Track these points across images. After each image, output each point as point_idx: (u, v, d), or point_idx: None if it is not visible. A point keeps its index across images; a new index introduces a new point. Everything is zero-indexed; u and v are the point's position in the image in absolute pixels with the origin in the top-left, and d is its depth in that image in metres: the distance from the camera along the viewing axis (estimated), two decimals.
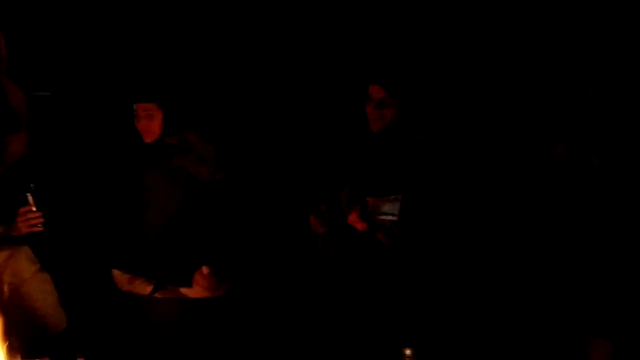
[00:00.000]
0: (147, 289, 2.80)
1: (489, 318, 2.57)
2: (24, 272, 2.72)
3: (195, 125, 2.96)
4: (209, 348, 2.73)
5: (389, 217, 2.55)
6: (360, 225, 2.53)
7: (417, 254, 2.51)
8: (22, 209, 2.66)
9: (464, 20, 3.31)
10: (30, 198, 2.66)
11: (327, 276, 2.63)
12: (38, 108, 3.37)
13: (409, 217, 2.53)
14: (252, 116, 3.53)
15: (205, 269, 2.72)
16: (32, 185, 2.70)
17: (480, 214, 2.53)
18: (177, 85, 2.97)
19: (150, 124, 2.89)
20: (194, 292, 2.80)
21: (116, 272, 2.89)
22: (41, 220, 2.68)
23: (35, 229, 2.69)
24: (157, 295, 2.79)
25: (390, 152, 2.63)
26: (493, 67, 3.23)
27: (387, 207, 2.55)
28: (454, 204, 2.50)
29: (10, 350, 2.09)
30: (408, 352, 2.39)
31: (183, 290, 2.81)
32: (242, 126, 3.47)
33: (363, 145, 2.70)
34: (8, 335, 2.08)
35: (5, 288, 2.66)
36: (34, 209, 2.66)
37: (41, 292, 2.75)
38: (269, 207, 3.18)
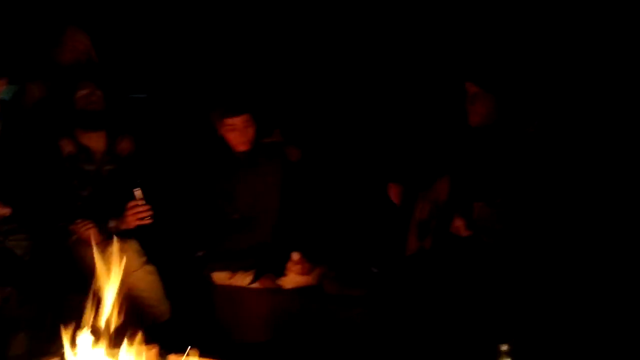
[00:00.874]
0: (246, 280, 2.89)
1: (588, 317, 2.48)
2: (132, 265, 2.85)
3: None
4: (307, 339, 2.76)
5: (494, 225, 2.50)
6: (465, 234, 2.51)
7: (526, 251, 2.44)
8: (131, 204, 2.83)
9: (553, 14, 3.20)
10: (138, 193, 2.82)
11: (420, 270, 2.60)
12: (137, 109, 3.57)
13: (519, 222, 2.46)
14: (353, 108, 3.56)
15: (295, 255, 2.78)
16: (139, 181, 2.87)
17: (600, 210, 2.45)
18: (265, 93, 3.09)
19: (249, 132, 3.02)
20: (288, 280, 2.85)
21: (216, 274, 3.00)
22: (149, 214, 2.84)
23: (143, 222, 2.86)
24: (255, 285, 2.86)
25: (494, 146, 2.60)
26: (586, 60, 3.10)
27: (494, 213, 2.50)
28: (579, 198, 2.42)
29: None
30: (504, 347, 2.36)
31: (279, 280, 2.87)
32: (343, 117, 3.52)
33: (465, 140, 2.69)
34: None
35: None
36: (141, 203, 2.83)
37: (147, 283, 2.91)
38: (362, 195, 3.20)
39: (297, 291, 2.84)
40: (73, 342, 2.20)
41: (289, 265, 2.82)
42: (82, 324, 2.26)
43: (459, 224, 2.48)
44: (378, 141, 3.41)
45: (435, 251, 2.60)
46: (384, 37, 3.58)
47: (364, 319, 2.67)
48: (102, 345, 2.23)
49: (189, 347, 2.23)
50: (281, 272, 2.88)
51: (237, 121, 3.02)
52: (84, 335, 2.24)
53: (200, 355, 2.34)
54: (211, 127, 3.08)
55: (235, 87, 3.36)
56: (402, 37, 3.55)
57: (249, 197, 3.02)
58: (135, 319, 2.42)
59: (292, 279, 2.85)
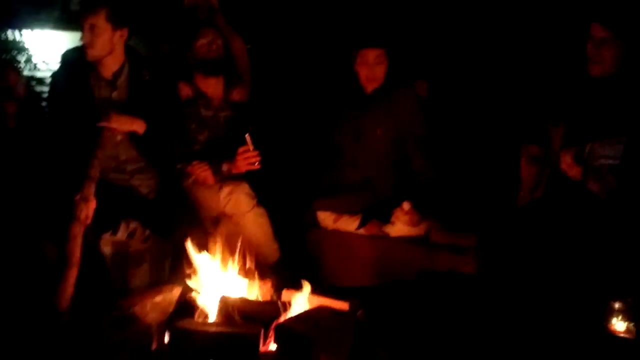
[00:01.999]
0: (352, 225, 2.93)
1: None
2: (244, 206, 3.00)
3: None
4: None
5: (609, 161, 2.33)
6: (574, 171, 2.37)
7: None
8: (242, 149, 2.96)
9: None
10: (248, 139, 2.94)
11: (532, 220, 2.53)
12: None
13: (635, 163, 2.29)
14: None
15: (406, 205, 2.79)
16: (249, 127, 2.98)
17: None
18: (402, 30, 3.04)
19: (379, 70, 2.97)
20: (395, 229, 2.87)
21: (321, 214, 3.07)
22: (258, 159, 2.96)
23: (253, 167, 2.98)
24: (362, 231, 2.91)
25: (615, 94, 2.41)
26: None
27: (608, 150, 2.33)
28: None
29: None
30: (618, 305, 2.30)
31: (385, 228, 2.90)
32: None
33: (583, 85, 2.50)
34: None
35: (228, 219, 2.99)
36: (251, 148, 2.95)
37: (257, 225, 3.02)
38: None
39: (404, 240, 2.84)
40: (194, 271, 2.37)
41: (398, 214, 2.82)
42: (199, 258, 2.43)
43: (567, 158, 2.35)
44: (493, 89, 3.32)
45: (547, 200, 2.52)
46: None
47: (473, 269, 2.65)
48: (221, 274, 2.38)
49: (301, 280, 2.34)
50: (388, 219, 2.90)
51: (369, 55, 3.00)
52: (206, 264, 2.40)
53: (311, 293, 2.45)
54: (346, 62, 3.05)
55: (373, 20, 3.29)
56: None
57: (369, 138, 3.01)
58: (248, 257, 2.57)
59: (400, 228, 2.86)
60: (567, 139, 2.44)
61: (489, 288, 2.49)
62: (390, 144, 3.02)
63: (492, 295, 2.48)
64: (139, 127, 2.80)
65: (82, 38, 2.77)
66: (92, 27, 2.73)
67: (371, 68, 2.98)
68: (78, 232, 2.41)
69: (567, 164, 2.38)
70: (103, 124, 2.69)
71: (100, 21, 2.73)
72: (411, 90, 3.09)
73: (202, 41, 3.02)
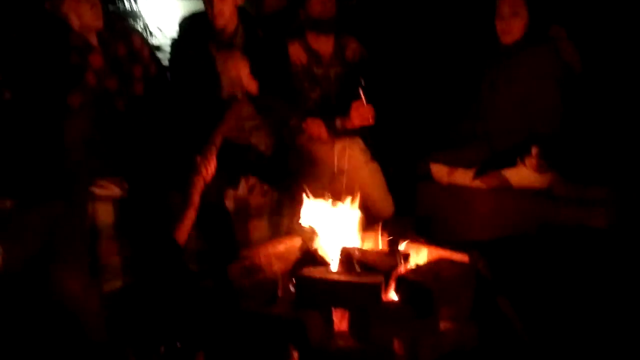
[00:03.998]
0: (467, 178, 2.86)
1: None
2: (358, 161, 3.05)
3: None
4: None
5: None
6: None
7: None
8: (355, 104, 2.97)
9: None
10: (361, 93, 2.94)
11: None
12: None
13: None
14: None
15: (534, 149, 2.68)
16: (363, 82, 2.98)
17: None
18: None
19: (515, 22, 2.82)
20: (518, 174, 2.75)
21: (435, 167, 3.03)
22: (372, 113, 2.96)
23: (366, 123, 2.99)
24: (477, 183, 2.85)
25: None
26: None
27: None
28: None
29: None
30: None
31: (506, 173, 2.77)
32: None
33: None
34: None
35: (343, 174, 3.03)
36: (365, 103, 2.95)
37: (371, 179, 3.07)
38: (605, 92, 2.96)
39: (526, 192, 2.73)
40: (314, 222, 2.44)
41: (525, 158, 2.72)
42: (319, 210, 2.49)
43: None
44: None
45: None
46: None
47: (604, 223, 2.53)
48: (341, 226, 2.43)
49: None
50: (510, 163, 2.78)
51: (503, 5, 2.86)
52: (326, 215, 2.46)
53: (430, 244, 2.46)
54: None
55: None
56: None
57: (502, 90, 2.89)
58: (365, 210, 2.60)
59: (524, 174, 2.73)
60: None
61: (622, 243, 2.38)
62: (520, 98, 2.86)
63: (625, 251, 2.37)
64: (253, 88, 2.88)
65: (210, 8, 2.83)
66: None
67: (506, 20, 2.85)
68: (198, 181, 2.54)
69: None
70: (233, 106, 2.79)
71: None
72: (546, 48, 2.85)
73: (315, 1, 3.03)
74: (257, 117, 2.98)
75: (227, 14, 2.85)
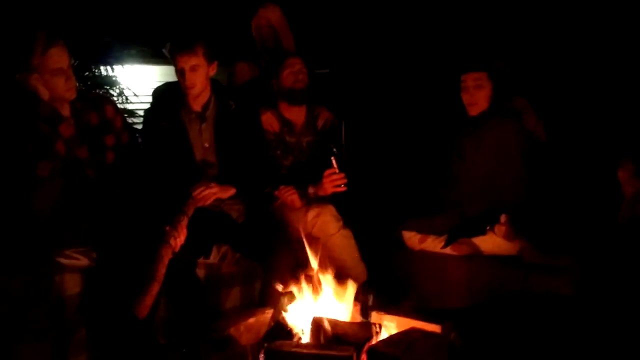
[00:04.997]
0: (438, 245, 2.91)
1: None
2: (330, 228, 3.03)
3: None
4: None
5: None
6: None
7: None
8: (328, 171, 2.99)
9: None
10: (334, 161, 2.97)
11: (630, 241, 2.42)
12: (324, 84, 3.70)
13: None
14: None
15: (503, 217, 2.72)
16: (335, 150, 3.01)
17: None
18: (505, 53, 3.01)
19: (479, 94, 2.96)
20: (488, 242, 2.80)
21: (407, 234, 3.05)
22: (344, 181, 2.98)
23: (339, 189, 3.01)
24: (448, 250, 2.87)
25: None
26: None
27: None
28: None
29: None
30: None
31: (476, 240, 2.82)
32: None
33: None
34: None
35: (316, 241, 3.02)
36: (337, 171, 2.98)
37: (344, 246, 3.04)
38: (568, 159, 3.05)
39: (496, 259, 2.78)
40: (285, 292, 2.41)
41: (495, 226, 2.76)
42: (290, 279, 2.47)
43: None
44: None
45: None
46: None
47: (572, 289, 2.57)
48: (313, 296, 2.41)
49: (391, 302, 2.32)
50: (480, 232, 2.84)
51: (467, 79, 2.98)
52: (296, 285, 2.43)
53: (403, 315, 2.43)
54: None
55: (475, 42, 3.30)
56: None
57: (469, 159, 2.98)
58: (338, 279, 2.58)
59: (494, 241, 2.79)
60: None
61: (589, 310, 2.40)
62: (487, 168, 2.96)
63: (592, 317, 2.38)
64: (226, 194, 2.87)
65: (183, 79, 2.83)
66: (194, 68, 2.81)
67: (470, 92, 2.96)
68: (165, 253, 2.50)
69: None
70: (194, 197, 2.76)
71: (200, 59, 2.82)
72: (511, 121, 2.97)
73: (289, 71, 3.10)
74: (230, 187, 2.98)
75: (199, 85, 2.87)
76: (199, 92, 2.90)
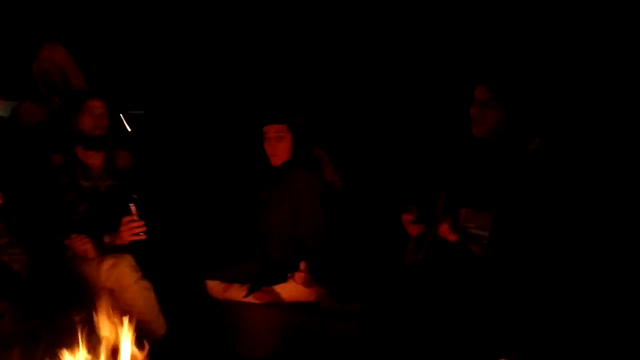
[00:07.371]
0: (242, 294, 2.89)
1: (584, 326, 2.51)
2: (127, 280, 2.86)
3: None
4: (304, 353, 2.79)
5: (480, 232, 2.40)
6: (451, 237, 2.45)
7: (509, 270, 2.42)
8: (126, 219, 2.84)
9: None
10: (133, 208, 2.83)
11: (414, 282, 2.61)
12: (135, 125, 3.59)
13: (503, 232, 2.37)
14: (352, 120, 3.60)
15: (302, 264, 2.80)
16: (134, 196, 2.87)
17: (581, 232, 2.33)
18: (305, 106, 3.09)
19: (280, 145, 3.00)
20: (288, 289, 2.85)
21: (211, 283, 3.01)
22: (143, 229, 2.84)
23: (138, 238, 2.86)
24: (250, 299, 2.86)
25: (494, 160, 2.50)
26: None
27: (478, 220, 2.41)
28: (560, 224, 2.31)
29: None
30: None
31: (277, 288, 2.86)
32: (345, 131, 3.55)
33: (464, 151, 2.62)
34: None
35: (110, 295, 2.82)
36: (136, 218, 2.83)
37: (142, 299, 2.88)
38: (363, 209, 3.23)
39: (295, 306, 2.84)
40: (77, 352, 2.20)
41: (295, 273, 2.82)
42: (78, 340, 2.26)
43: (444, 226, 2.44)
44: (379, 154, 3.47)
45: (428, 261, 2.61)
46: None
47: (361, 331, 2.69)
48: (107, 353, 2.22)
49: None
50: (280, 280, 2.89)
51: (269, 130, 3.01)
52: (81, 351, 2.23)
53: None
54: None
55: (274, 96, 3.34)
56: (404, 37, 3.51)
57: (274, 208, 3.01)
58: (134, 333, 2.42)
59: (294, 288, 2.84)
60: (448, 206, 2.55)
61: (377, 352, 2.52)
62: (290, 216, 3.02)
63: (382, 355, 2.50)
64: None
65: None
66: None
67: (271, 145, 3.01)
68: None
69: (444, 231, 2.45)
70: None
71: None
72: (308, 174, 3.06)
73: (88, 115, 2.92)
74: (10, 233, 2.69)
75: None
76: None
